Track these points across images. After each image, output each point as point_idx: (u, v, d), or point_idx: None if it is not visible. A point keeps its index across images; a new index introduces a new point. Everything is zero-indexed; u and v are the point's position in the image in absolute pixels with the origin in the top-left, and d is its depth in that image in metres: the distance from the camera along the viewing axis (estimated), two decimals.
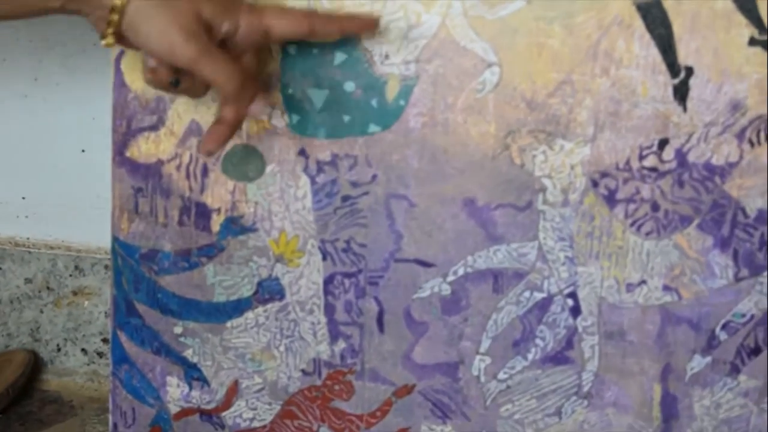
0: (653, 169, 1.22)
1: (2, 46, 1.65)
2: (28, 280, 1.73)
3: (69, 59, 1.57)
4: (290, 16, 1.14)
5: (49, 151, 1.66)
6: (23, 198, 1.69)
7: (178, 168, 1.32)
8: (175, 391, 1.38)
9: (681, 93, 1.19)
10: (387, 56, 1.24)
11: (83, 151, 1.63)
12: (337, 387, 1.33)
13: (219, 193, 1.31)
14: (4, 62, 1.62)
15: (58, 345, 1.76)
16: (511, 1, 1.19)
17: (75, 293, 1.70)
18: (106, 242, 1.37)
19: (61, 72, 1.57)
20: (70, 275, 1.70)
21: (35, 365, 1.79)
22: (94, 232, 1.61)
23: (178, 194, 1.32)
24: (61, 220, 1.70)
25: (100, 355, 1.76)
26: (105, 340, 1.76)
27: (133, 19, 1.04)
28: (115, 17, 1.05)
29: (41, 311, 1.73)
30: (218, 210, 1.31)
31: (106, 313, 1.70)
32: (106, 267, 1.61)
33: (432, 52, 1.23)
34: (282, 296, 1.32)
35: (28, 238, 1.73)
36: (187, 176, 1.32)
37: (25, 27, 1.65)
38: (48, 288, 1.71)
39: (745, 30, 1.15)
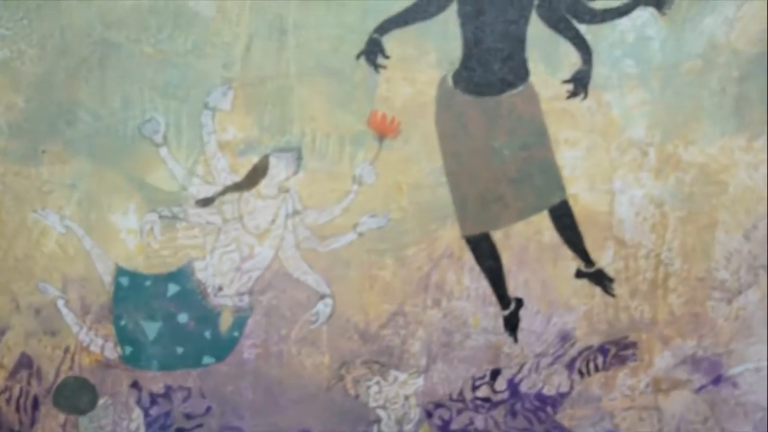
0: (486, 400, 1.16)
1: None
2: None
3: None
4: None
5: None
6: None
7: (8, 401, 1.22)
8: None
9: (511, 324, 1.16)
10: (220, 288, 1.18)
11: None
12: None
13: (50, 426, 1.22)
14: None
15: None
16: (342, 234, 1.15)
17: None
18: None
19: None
20: None
21: None
22: None
23: (8, 428, 1.21)
24: None
25: None
26: None
27: None
28: None
29: None
30: None
31: None
32: None
33: (265, 283, 1.17)
34: None
35: None
36: (17, 409, 1.22)
37: None
38: None
39: (572, 263, 1.13)
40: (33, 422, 1.24)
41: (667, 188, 1.13)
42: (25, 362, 1.24)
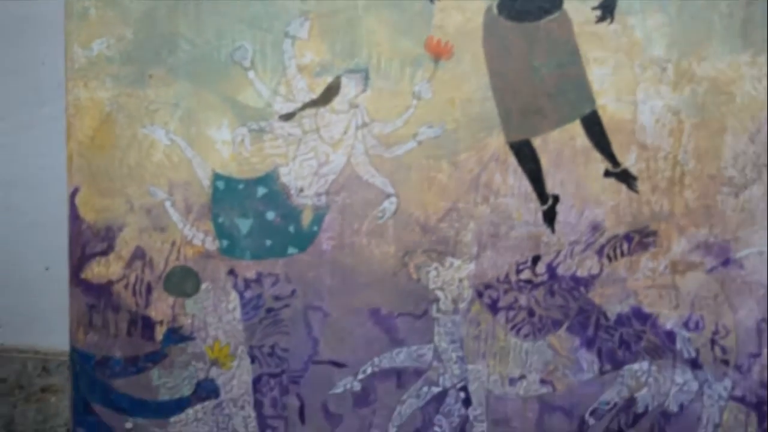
0: (528, 281, 1.26)
1: None
2: (2, 380, 1.73)
3: (30, 198, 1.64)
4: None
5: (18, 270, 1.69)
6: None
7: (126, 287, 1.35)
8: None
9: (549, 217, 1.25)
10: (302, 190, 1.29)
11: (47, 268, 1.66)
12: None
13: (161, 307, 1.35)
14: None
15: None
16: (404, 142, 1.26)
17: (43, 390, 1.71)
18: (68, 347, 1.39)
19: (27, 204, 1.63)
20: (38, 375, 1.70)
21: None
22: (58, 337, 1.61)
23: (126, 309, 1.35)
24: (30, 328, 1.70)
25: None
26: (69, 430, 1.69)
27: None
28: None
29: (14, 406, 1.74)
30: (161, 322, 1.35)
31: (70, 406, 1.62)
32: (68, 368, 1.56)
33: (339, 185, 1.28)
34: (217, 395, 1.35)
35: (1, 344, 1.75)
36: (134, 294, 1.35)
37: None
38: (20, 386, 1.73)
39: (601, 164, 1.22)
40: (147, 304, 1.36)
41: (683, 99, 1.21)
42: (139, 254, 1.35)
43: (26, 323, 1.73)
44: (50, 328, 1.65)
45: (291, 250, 1.32)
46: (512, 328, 1.29)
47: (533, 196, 1.25)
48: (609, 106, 1.22)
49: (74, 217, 1.36)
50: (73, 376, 1.40)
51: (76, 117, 1.33)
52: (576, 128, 1.24)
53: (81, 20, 1.30)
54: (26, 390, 1.75)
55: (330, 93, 1.29)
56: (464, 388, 1.32)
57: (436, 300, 1.29)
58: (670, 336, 1.26)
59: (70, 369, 1.41)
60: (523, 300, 1.28)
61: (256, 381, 1.36)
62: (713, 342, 1.26)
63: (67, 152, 1.35)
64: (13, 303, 1.72)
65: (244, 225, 1.32)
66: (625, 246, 1.25)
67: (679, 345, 1.27)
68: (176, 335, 1.37)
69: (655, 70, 1.21)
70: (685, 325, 1.26)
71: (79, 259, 1.37)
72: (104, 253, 1.37)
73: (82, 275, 1.38)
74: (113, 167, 1.34)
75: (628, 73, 1.22)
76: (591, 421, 1.30)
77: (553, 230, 1.25)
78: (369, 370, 1.33)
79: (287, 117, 1.30)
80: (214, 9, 1.27)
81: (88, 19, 1.30)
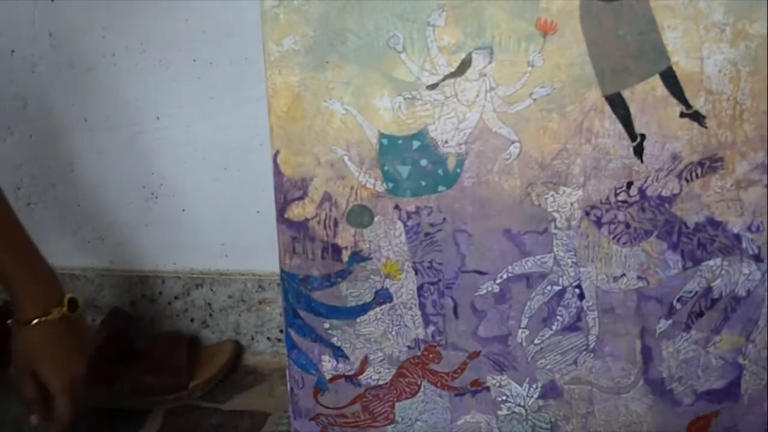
0: (624, 202, 1.40)
1: (196, 145, 1.97)
2: (230, 296, 2.03)
3: (242, 160, 1.89)
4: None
5: (237, 213, 1.96)
6: (222, 244, 2.02)
7: (318, 222, 1.53)
8: (328, 365, 1.60)
9: (638, 151, 1.39)
10: (446, 141, 1.45)
11: (258, 212, 1.95)
12: (431, 355, 1.55)
13: (345, 236, 1.52)
14: (204, 160, 1.96)
15: (252, 336, 2.05)
16: (523, 100, 1.42)
17: (260, 302, 2.01)
18: (278, 270, 1.57)
19: (240, 165, 1.91)
20: (256, 291, 2.00)
21: (238, 350, 2.07)
22: (270, 263, 1.86)
23: (320, 239, 1.52)
24: (248, 256, 2.00)
25: (279, 340, 2.03)
26: (281, 331, 2.01)
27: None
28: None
29: (239, 315, 2.04)
30: (346, 247, 1.52)
31: (280, 314, 1.93)
32: (278, 285, 1.77)
33: (475, 137, 1.43)
34: (391, 300, 1.53)
35: (228, 269, 2.04)
36: (324, 228, 1.53)
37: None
38: (243, 300, 2.02)
39: (677, 108, 1.37)
40: (335, 235, 1.54)
41: (739, 52, 1.33)
42: (327, 197, 1.53)
43: (245, 253, 2.03)
44: (263, 256, 1.95)
45: (440, 188, 1.46)
46: (613, 238, 1.42)
47: (625, 135, 1.38)
48: (681, 62, 1.35)
49: (277, 172, 1.53)
50: (283, 291, 1.58)
51: (274, 97, 1.48)
52: (656, 81, 1.36)
53: (274, 24, 1.46)
54: (247, 303, 2.04)
55: (464, 66, 1.43)
56: (578, 286, 1.47)
57: (554, 220, 1.44)
58: (737, 237, 1.40)
59: (280, 286, 1.58)
60: (620, 216, 1.40)
61: (419, 288, 1.53)
62: None
63: (269, 124, 1.51)
64: (235, 239, 2.03)
65: (404, 171, 1.47)
66: (699, 170, 1.38)
67: (744, 244, 1.40)
68: (358, 257, 1.54)
69: (716, 31, 1.32)
70: (749, 228, 1.40)
71: (282, 204, 1.54)
72: (301, 198, 1.54)
73: (286, 215, 1.55)
74: (304, 133, 1.49)
75: (694, 35, 1.34)
76: (678, 306, 1.46)
77: (642, 161, 1.37)
78: (505, 276, 1.49)
79: (432, 87, 1.44)
80: (372, 7, 1.42)
81: (279, 22, 1.46)
